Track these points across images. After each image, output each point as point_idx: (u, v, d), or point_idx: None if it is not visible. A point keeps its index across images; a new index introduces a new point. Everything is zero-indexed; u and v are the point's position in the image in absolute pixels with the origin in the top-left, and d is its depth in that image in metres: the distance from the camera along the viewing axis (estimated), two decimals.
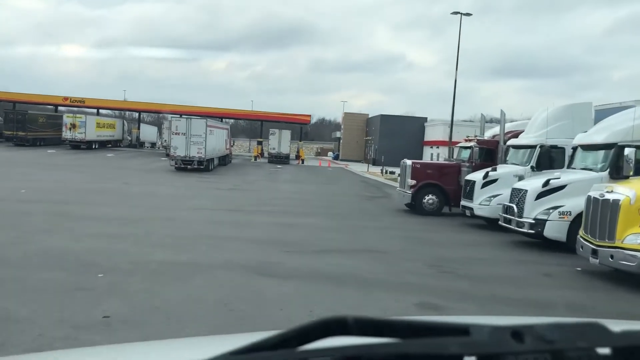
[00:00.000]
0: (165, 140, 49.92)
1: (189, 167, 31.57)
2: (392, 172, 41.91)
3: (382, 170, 42.72)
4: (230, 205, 16.99)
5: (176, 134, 31.54)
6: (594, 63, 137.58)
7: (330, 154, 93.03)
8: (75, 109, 54.57)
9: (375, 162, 57.43)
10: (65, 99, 54.84)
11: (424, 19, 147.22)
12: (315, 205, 18.45)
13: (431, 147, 56.68)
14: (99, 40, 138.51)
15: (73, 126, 46.64)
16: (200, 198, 18.55)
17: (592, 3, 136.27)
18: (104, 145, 53.71)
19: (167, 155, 50.96)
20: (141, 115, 65.90)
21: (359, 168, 51.66)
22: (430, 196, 16.60)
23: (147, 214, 14.02)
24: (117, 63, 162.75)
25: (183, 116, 34.84)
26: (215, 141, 35.19)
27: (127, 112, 66.06)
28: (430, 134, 57.95)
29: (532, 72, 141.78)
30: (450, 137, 35.78)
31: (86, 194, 17.48)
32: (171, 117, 31.96)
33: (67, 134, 46.65)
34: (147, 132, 66.58)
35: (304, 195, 22.30)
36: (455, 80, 33.31)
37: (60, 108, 57.07)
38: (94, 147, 49.93)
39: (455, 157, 18.25)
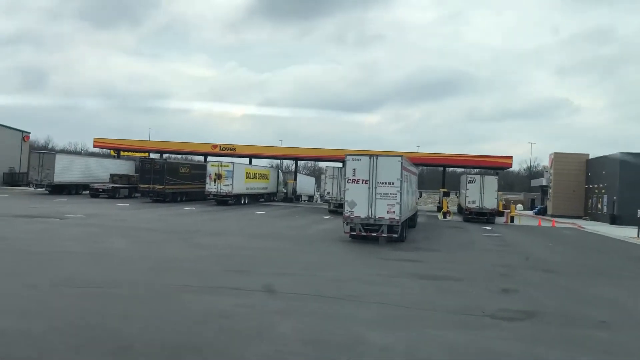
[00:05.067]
0: (329, 193, 38.47)
1: (374, 234, 18.85)
2: None
3: None
4: None
5: (353, 181, 19.09)
6: None
7: (519, 206, 74.97)
8: (225, 158, 46.18)
9: (614, 220, 39.69)
10: (215, 146, 47.10)
11: (589, 61, 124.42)
12: None
13: None
14: (260, 101, 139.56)
15: (218, 177, 37.42)
16: None
17: None
18: (255, 199, 44.20)
19: (330, 211, 40.06)
20: (297, 167, 56.69)
21: (607, 229, 34.44)
22: None
23: None
24: (275, 122, 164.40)
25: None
26: (408, 193, 22.11)
27: (282, 162, 57.61)
28: None
29: None
30: None
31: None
32: (347, 156, 19.68)
33: (211, 187, 37.50)
34: (304, 184, 56.67)
35: None
36: None
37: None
38: (243, 202, 40.38)
39: None
